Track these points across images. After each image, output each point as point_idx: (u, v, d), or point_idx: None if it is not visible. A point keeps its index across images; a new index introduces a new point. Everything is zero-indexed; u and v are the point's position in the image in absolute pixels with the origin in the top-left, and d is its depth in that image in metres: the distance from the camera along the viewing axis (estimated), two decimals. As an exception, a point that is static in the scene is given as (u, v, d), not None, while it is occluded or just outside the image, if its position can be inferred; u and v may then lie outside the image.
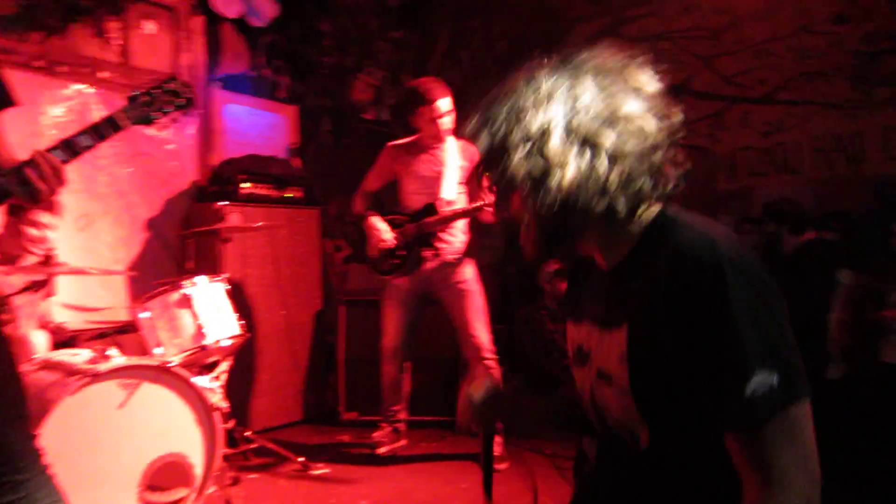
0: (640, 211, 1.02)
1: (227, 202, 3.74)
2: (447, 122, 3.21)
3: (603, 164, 0.96)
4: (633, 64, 1.04)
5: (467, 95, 3.23)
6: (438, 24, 5.17)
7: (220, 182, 4.01)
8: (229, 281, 3.11)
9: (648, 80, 1.04)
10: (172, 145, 4.06)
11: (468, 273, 3.29)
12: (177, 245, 3.95)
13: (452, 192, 3.27)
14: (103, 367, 2.31)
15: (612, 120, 0.97)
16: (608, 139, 0.96)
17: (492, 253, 4.37)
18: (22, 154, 1.65)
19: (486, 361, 3.18)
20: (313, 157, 4.92)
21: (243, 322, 3.04)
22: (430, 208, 3.25)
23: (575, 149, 0.96)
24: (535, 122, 0.97)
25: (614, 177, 0.96)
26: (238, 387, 3.59)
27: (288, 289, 4.14)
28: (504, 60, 4.84)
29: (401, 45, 5.00)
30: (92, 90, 3.68)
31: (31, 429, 1.67)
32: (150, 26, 4.12)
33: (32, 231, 2.80)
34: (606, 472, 1.14)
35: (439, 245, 3.26)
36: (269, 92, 4.74)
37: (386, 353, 3.39)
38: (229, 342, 2.93)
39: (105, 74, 3.84)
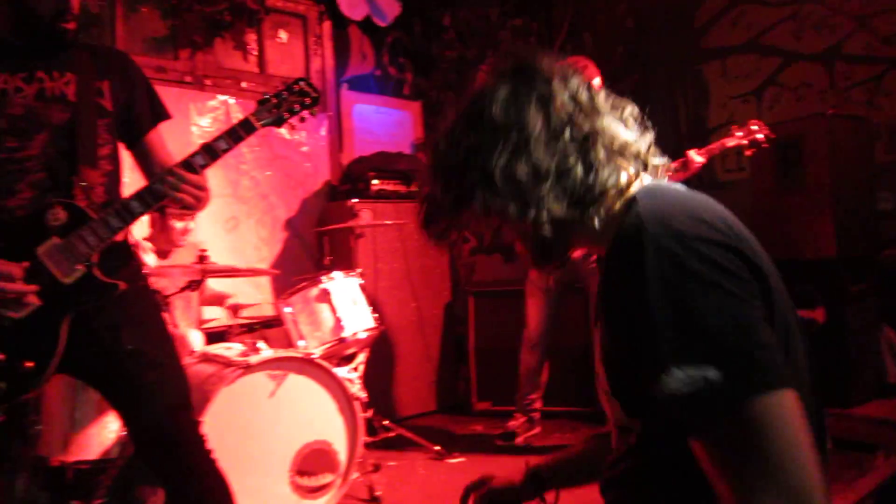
0: (605, 203, 0.89)
1: (358, 199, 3.89)
2: None
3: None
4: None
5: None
6: (559, 7, 5.05)
7: (351, 180, 4.17)
8: (362, 275, 3.22)
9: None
10: (306, 147, 4.27)
11: None
12: (314, 242, 4.15)
13: None
14: (254, 359, 2.47)
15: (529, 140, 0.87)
16: (537, 156, 0.87)
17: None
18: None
19: None
20: (438, 151, 4.98)
21: (377, 315, 3.14)
22: None
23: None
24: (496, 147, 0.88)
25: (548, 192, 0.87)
26: (374, 378, 3.72)
27: (418, 281, 4.23)
28: (631, 40, 4.65)
29: (522, 33, 4.94)
30: (233, 100, 3.94)
31: (195, 417, 1.81)
32: (283, 35, 4.34)
33: (177, 224, 3.05)
34: (618, 461, 0.99)
35: None
36: (394, 89, 4.85)
37: (528, 342, 3.38)
38: (365, 335, 3.04)
39: (245, 84, 4.10)
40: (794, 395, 0.72)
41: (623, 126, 0.92)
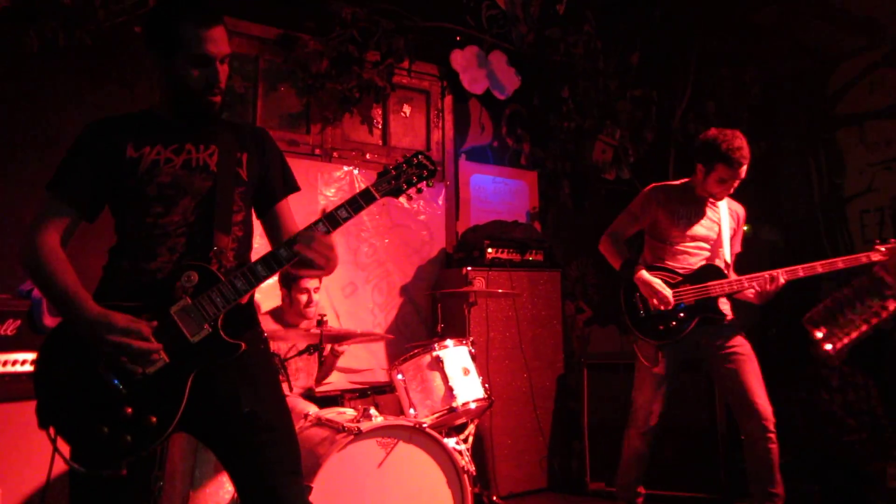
0: None
1: (472, 267, 3.91)
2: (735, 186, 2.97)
3: None
4: None
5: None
6: (680, 76, 4.97)
7: (466, 248, 4.21)
8: (474, 344, 3.20)
9: None
10: (424, 216, 4.38)
11: (743, 337, 3.00)
12: (427, 309, 4.20)
13: (729, 255, 3.01)
14: (365, 425, 2.48)
15: None
16: None
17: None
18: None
19: (768, 434, 2.83)
20: (553, 220, 4.96)
21: (487, 385, 3.09)
22: (717, 271, 2.98)
23: None
24: None
25: None
26: (483, 450, 3.63)
27: (530, 352, 4.15)
28: (758, 107, 4.48)
29: (641, 103, 4.89)
30: (357, 170, 4.13)
31: (305, 482, 1.82)
32: (406, 110, 4.54)
33: (303, 297, 3.18)
34: None
35: (723, 310, 3.01)
36: (510, 159, 4.92)
37: (638, 422, 3.05)
38: (475, 405, 2.99)
39: (369, 155, 4.30)
40: None
41: None
